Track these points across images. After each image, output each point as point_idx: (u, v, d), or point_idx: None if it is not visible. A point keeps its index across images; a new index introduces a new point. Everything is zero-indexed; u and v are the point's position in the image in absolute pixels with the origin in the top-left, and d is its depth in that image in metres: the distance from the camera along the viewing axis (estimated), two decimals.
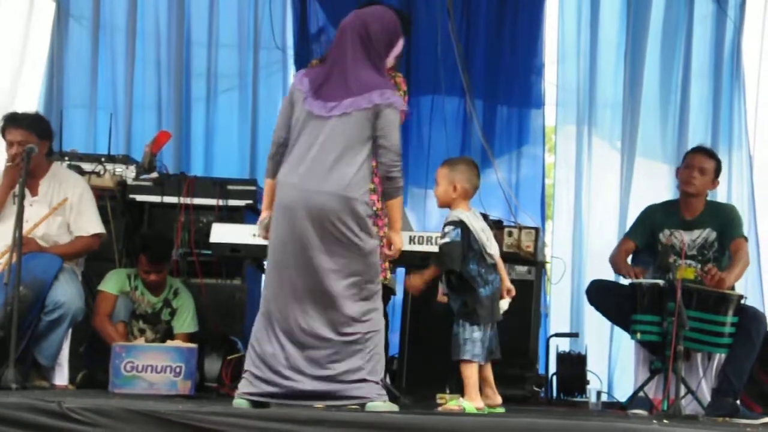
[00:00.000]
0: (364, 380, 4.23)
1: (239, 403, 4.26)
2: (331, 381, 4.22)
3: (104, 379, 5.26)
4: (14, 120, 5.44)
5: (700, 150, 5.78)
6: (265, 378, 4.26)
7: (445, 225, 4.59)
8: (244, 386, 4.29)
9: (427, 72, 6.89)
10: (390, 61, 4.45)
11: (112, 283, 5.72)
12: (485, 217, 5.51)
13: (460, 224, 4.52)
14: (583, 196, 6.92)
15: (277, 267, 4.27)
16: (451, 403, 4.53)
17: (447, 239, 4.54)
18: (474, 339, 4.52)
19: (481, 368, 4.62)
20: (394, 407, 4.27)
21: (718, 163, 5.72)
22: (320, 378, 4.23)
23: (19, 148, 5.29)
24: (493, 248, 4.60)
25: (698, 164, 5.64)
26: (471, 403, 4.46)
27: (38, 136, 5.40)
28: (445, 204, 4.64)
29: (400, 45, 4.46)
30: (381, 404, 4.21)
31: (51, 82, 6.98)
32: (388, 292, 5.86)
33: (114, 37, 7.12)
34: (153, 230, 5.99)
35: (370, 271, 4.26)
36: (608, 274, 5.97)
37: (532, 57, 7.04)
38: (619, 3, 6.94)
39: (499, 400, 4.69)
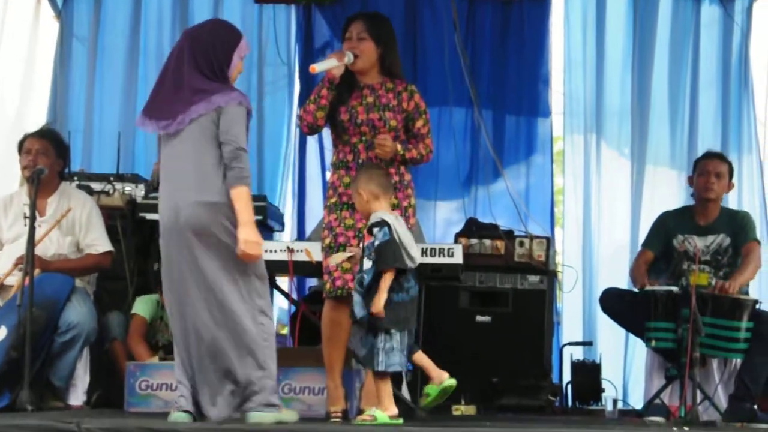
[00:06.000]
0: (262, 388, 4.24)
1: (177, 416, 4.25)
2: (234, 393, 4.24)
3: (119, 398, 5.25)
4: (37, 132, 5.53)
5: (712, 155, 5.77)
6: (191, 393, 4.29)
7: (371, 228, 4.47)
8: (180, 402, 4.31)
9: (435, 84, 6.86)
10: (235, 64, 4.45)
11: (145, 307, 5.71)
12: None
13: (385, 223, 4.44)
14: (592, 204, 6.90)
15: (173, 286, 4.34)
16: (365, 413, 4.46)
17: (379, 240, 4.43)
18: (387, 349, 4.44)
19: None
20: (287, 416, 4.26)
21: (731, 165, 5.74)
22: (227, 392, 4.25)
23: (36, 157, 5.32)
24: (414, 250, 4.49)
25: (713, 170, 5.64)
26: (385, 412, 4.40)
27: (56, 151, 5.45)
28: (367, 213, 4.55)
29: (243, 48, 4.45)
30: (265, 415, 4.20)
31: (55, 103, 6.98)
32: None
33: (116, 57, 7.10)
34: None
35: (249, 269, 4.33)
36: (619, 282, 5.95)
37: (538, 66, 7.01)
38: (624, 10, 6.91)
39: (445, 375, 4.53)
